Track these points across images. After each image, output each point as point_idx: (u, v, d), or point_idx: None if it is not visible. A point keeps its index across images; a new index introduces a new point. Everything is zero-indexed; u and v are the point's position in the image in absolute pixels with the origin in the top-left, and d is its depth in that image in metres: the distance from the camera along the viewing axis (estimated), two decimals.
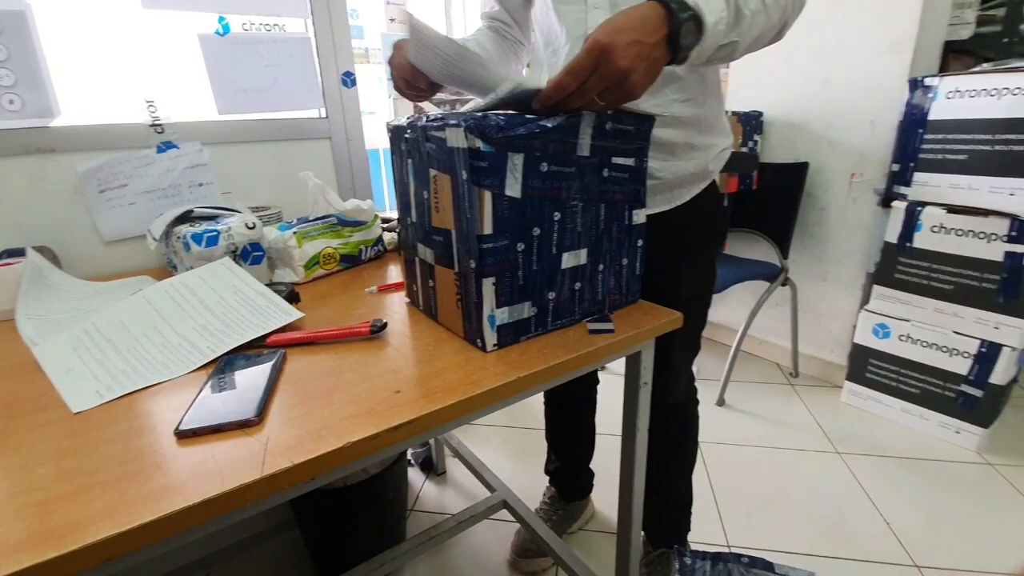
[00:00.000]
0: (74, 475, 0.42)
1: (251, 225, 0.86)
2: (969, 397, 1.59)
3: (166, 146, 1.05)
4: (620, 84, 0.54)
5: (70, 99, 0.97)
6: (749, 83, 2.07)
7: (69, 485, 0.41)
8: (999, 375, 1.52)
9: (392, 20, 3.02)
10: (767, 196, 1.97)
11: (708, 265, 0.97)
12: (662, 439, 0.94)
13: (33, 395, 0.55)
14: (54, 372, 0.59)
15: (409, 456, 1.58)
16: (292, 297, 0.78)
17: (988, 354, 1.53)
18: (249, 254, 0.85)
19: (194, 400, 0.52)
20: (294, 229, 0.91)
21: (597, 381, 1.28)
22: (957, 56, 1.77)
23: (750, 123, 1.95)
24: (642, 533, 1.18)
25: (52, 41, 0.94)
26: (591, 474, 1.36)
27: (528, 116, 0.58)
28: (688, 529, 1.18)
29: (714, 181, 0.92)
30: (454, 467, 1.58)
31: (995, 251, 1.49)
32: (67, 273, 0.89)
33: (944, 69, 1.74)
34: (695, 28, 0.57)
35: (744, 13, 0.61)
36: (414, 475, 1.56)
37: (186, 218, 0.90)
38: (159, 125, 1.04)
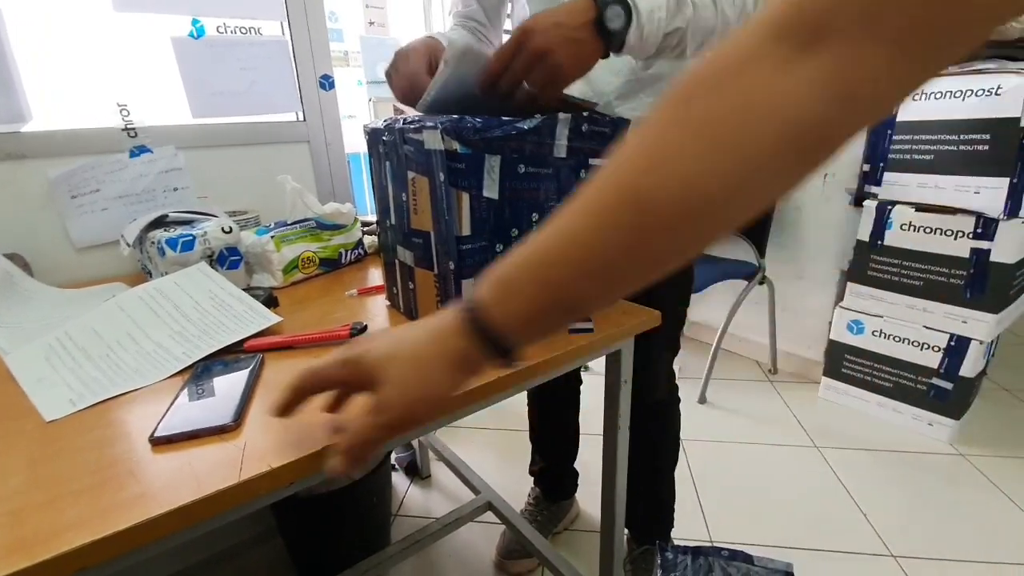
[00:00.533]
0: (46, 484, 0.42)
1: (228, 229, 0.85)
2: (940, 390, 1.64)
3: (139, 150, 1.03)
4: (542, 63, 0.57)
5: (42, 104, 0.95)
6: None
7: (41, 494, 0.40)
8: (968, 368, 1.57)
9: (371, 23, 3.02)
10: None
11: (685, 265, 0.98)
12: (645, 437, 0.95)
13: (5, 405, 0.54)
14: (26, 381, 0.58)
15: (393, 460, 1.58)
16: (270, 301, 0.77)
17: (957, 348, 1.58)
18: (226, 259, 0.84)
19: (170, 407, 0.51)
20: (272, 233, 0.91)
21: (580, 381, 1.29)
22: None
23: None
24: (626, 531, 1.19)
25: (23, 45, 0.92)
26: (575, 474, 1.37)
27: (505, 118, 0.58)
28: (671, 526, 1.19)
29: None
30: (439, 470, 1.58)
31: (962, 248, 1.54)
32: (39, 280, 0.87)
33: None
34: (623, 12, 0.58)
35: (687, 2, 0.61)
36: (398, 479, 1.55)
37: (161, 223, 0.89)
38: (132, 129, 1.02)
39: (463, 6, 0.96)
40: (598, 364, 0.75)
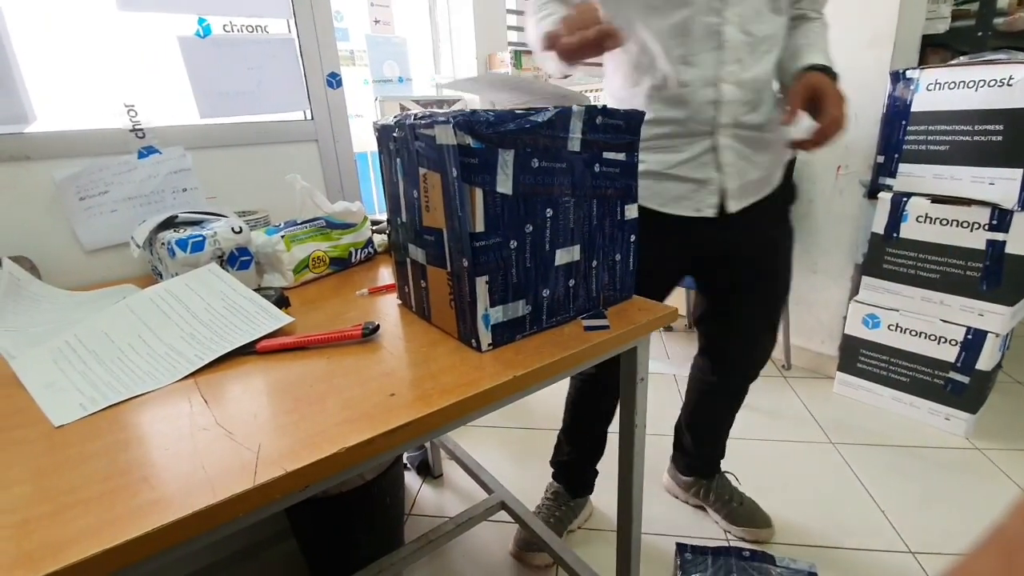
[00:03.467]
0: (54, 493, 0.41)
1: (238, 229, 0.84)
2: (957, 384, 1.61)
3: (147, 151, 1.02)
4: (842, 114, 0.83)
5: (46, 104, 0.94)
6: None
7: (49, 504, 0.39)
8: (985, 361, 1.54)
9: (377, 22, 3.00)
10: None
11: (791, 226, 1.13)
12: (736, 403, 1.27)
13: (10, 411, 0.53)
14: (34, 386, 0.57)
15: (405, 459, 1.57)
16: (281, 302, 0.76)
17: (974, 341, 1.55)
18: (236, 259, 0.84)
19: None
20: (282, 232, 0.90)
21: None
22: (934, 50, 1.80)
23: None
24: (685, 478, 1.39)
25: (25, 44, 0.91)
26: (595, 473, 1.35)
27: (518, 112, 0.57)
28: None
29: None
30: (451, 469, 1.57)
31: (978, 239, 1.51)
32: (48, 283, 0.87)
33: (923, 63, 1.76)
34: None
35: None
36: (411, 479, 1.55)
37: (170, 224, 0.88)
38: (140, 130, 1.01)
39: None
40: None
